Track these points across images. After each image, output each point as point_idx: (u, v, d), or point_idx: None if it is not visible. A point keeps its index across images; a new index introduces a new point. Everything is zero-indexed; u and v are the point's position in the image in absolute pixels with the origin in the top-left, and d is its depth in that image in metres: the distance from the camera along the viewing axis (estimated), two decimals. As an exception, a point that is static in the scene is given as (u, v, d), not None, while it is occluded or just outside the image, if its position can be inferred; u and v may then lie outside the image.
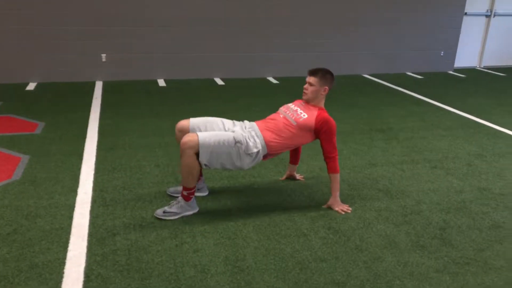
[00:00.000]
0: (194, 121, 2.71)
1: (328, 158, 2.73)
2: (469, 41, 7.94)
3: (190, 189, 2.60)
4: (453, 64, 7.71)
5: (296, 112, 2.75)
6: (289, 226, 2.60)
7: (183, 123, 2.73)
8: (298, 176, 3.24)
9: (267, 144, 2.65)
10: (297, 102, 2.88)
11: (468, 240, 2.52)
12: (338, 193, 2.81)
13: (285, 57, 6.72)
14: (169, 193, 2.91)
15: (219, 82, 6.27)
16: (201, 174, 2.87)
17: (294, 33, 6.63)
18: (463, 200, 2.99)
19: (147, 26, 5.98)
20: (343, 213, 2.76)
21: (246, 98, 5.44)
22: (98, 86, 5.73)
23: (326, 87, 2.79)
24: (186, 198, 2.63)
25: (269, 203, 2.87)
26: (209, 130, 2.68)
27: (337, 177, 2.77)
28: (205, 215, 2.69)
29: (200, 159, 2.49)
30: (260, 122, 2.78)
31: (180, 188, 2.78)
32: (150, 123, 4.34)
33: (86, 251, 2.29)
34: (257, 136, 2.65)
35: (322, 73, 2.78)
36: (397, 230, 2.60)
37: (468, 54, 8.06)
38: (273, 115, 2.81)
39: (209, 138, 2.50)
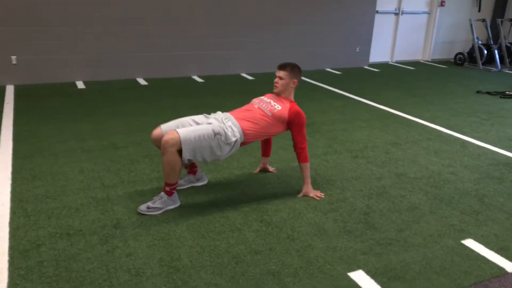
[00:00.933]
0: (165, 127, 2.74)
1: (299, 148, 2.91)
2: (382, 37, 8.47)
3: (173, 184, 2.66)
4: (368, 60, 8.18)
5: (270, 104, 2.91)
6: (223, 222, 2.63)
7: (156, 132, 2.75)
8: (270, 169, 3.38)
9: (244, 132, 2.76)
10: (269, 95, 3.05)
11: (389, 222, 2.71)
12: (309, 181, 2.99)
13: (211, 56, 6.72)
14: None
15: (142, 82, 6.12)
16: (195, 165, 3.01)
17: (218, 31, 6.64)
18: (383, 185, 3.20)
19: (63, 26, 5.68)
20: (318, 198, 2.94)
21: (169, 98, 5.36)
22: (10, 91, 5.35)
23: (295, 80, 2.97)
24: (169, 194, 2.70)
25: (201, 201, 2.87)
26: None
27: (307, 165, 2.95)
28: (137, 217, 2.63)
29: (183, 155, 2.56)
30: (234, 112, 2.89)
31: (181, 181, 2.96)
32: (69, 127, 4.14)
33: (8, 266, 2.14)
34: (234, 125, 2.74)
35: (290, 67, 2.97)
36: (325, 218, 2.72)
37: (381, 50, 8.59)
38: (247, 106, 2.96)
39: (189, 133, 2.57)
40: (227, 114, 2.85)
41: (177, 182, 2.69)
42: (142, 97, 5.33)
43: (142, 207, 2.69)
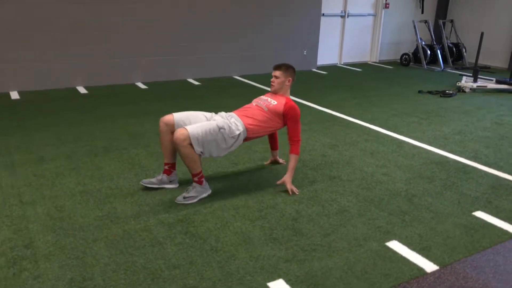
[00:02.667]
0: (177, 116, 2.96)
1: (292, 141, 3.13)
2: (329, 40, 8.57)
3: (198, 173, 2.90)
4: (316, 62, 8.25)
5: (267, 101, 3.18)
6: (145, 236, 2.52)
7: (168, 117, 2.96)
8: (280, 160, 3.62)
9: (246, 127, 3.02)
10: (267, 94, 3.31)
11: (316, 227, 2.68)
12: (292, 173, 3.14)
13: (156, 61, 6.58)
14: (144, 184, 3.07)
15: (83, 91, 5.91)
16: (174, 167, 3.11)
17: (163, 37, 6.51)
18: (315, 189, 3.19)
19: (-9, 33, 5.41)
20: (291, 193, 3.08)
21: (109, 106, 5.19)
22: None
23: (290, 78, 3.24)
24: (199, 182, 2.93)
25: (123, 215, 2.76)
26: (193, 123, 2.92)
27: (296, 158, 3.13)
28: (52, 235, 2.49)
29: (195, 149, 2.77)
30: (236, 111, 3.16)
31: (153, 180, 3.08)
32: (-5, 141, 3.92)
33: None
34: (237, 121, 3.01)
35: (285, 67, 3.25)
36: (253, 226, 2.67)
37: (329, 52, 8.68)
38: (247, 105, 3.22)
39: (197, 129, 2.78)
40: (230, 113, 3.12)
41: (201, 171, 2.91)
42: (79, 107, 5.13)
43: (179, 198, 2.91)
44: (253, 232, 2.60)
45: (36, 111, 4.89)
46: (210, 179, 3.29)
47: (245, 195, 3.06)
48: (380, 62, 9.24)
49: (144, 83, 6.46)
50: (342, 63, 8.92)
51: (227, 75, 7.27)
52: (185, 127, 2.79)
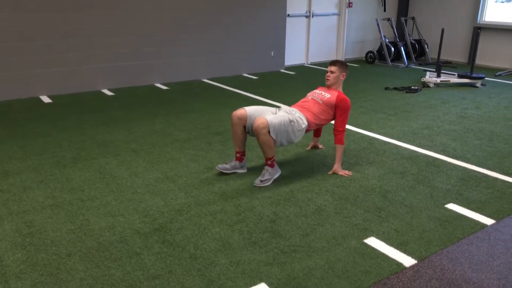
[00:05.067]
0: (249, 110, 3.28)
1: (337, 131, 3.43)
2: (295, 40, 8.62)
3: (271, 158, 3.23)
4: (284, 63, 8.28)
5: (321, 94, 3.47)
6: (120, 248, 2.45)
7: (241, 111, 3.27)
8: (320, 146, 4.05)
9: (308, 120, 3.33)
10: (321, 88, 3.60)
11: (295, 228, 2.68)
12: (340, 161, 3.48)
13: (121, 67, 6.44)
14: (219, 169, 3.40)
15: (46, 100, 5.72)
16: (244, 154, 3.43)
17: (129, 42, 6.39)
18: (291, 190, 3.19)
19: None
20: (346, 175, 3.41)
21: (75, 115, 5.04)
22: None
23: (344, 73, 3.51)
24: (271, 165, 3.27)
25: (96, 226, 2.67)
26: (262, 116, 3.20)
27: (341, 148, 3.45)
28: (22, 253, 2.38)
29: (271, 135, 3.08)
30: (296, 106, 3.45)
31: (227, 166, 3.41)
32: (-45, 156, 3.74)
33: None
34: (301, 115, 3.31)
35: (340, 63, 3.53)
36: (231, 231, 2.64)
37: (296, 53, 8.74)
38: (304, 99, 3.51)
39: (274, 119, 3.11)
40: (292, 108, 3.41)
41: (274, 156, 3.25)
42: (44, 117, 4.96)
43: (257, 181, 3.24)
44: (232, 237, 2.58)
45: (-2, 123, 4.71)
46: (184, 185, 3.24)
47: (221, 199, 3.03)
48: (346, 61, 9.37)
49: (110, 90, 6.32)
50: (309, 62, 9.00)
51: (196, 78, 7.20)
52: (264, 117, 3.10)
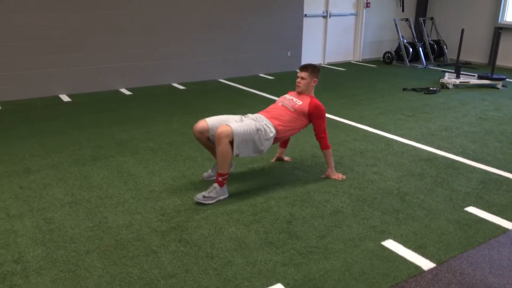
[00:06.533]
0: (211, 121, 3.06)
1: (320, 137, 3.27)
2: (312, 40, 8.59)
3: (224, 174, 2.93)
4: (300, 63, 8.24)
5: (292, 101, 3.26)
6: (138, 246, 2.47)
7: (201, 124, 3.05)
8: (286, 158, 3.72)
9: (276, 129, 3.11)
10: (292, 93, 3.38)
11: (311, 229, 2.66)
12: (333, 165, 3.37)
13: (139, 66, 6.50)
14: (205, 178, 3.28)
15: (66, 99, 5.80)
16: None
17: (146, 41, 6.44)
18: (308, 191, 3.17)
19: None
20: (340, 179, 3.33)
21: (93, 114, 5.11)
22: None
23: (316, 79, 3.31)
24: (221, 184, 2.96)
25: (114, 224, 2.70)
26: None
27: (329, 152, 3.32)
28: (42, 249, 2.42)
29: (234, 147, 2.86)
30: (263, 112, 3.22)
31: (212, 173, 3.25)
32: (-22, 153, 3.82)
33: None
34: (269, 124, 3.09)
35: (311, 68, 3.30)
36: (247, 231, 2.64)
37: (313, 53, 8.71)
38: (273, 105, 3.29)
39: (239, 127, 2.88)
40: (258, 115, 3.18)
41: (228, 173, 2.95)
42: (63, 115, 5.04)
43: (199, 196, 2.94)
44: (248, 236, 2.58)
45: (20, 121, 4.78)
46: (201, 185, 3.25)
47: (237, 199, 3.03)
48: (363, 61, 9.30)
49: (128, 89, 6.38)
50: (325, 63, 8.95)
51: (212, 78, 7.23)
52: (229, 124, 2.88)
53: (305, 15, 8.16)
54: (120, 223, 2.71)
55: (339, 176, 3.37)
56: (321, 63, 8.91)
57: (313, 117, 3.22)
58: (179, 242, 2.51)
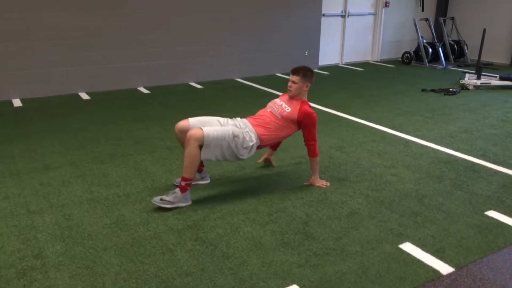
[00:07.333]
0: (193, 121, 2.97)
1: (308, 144, 3.12)
2: (330, 40, 8.54)
3: (188, 179, 2.81)
4: (318, 63, 8.22)
5: (281, 107, 3.09)
6: (155, 244, 2.49)
7: (183, 123, 2.97)
8: (273, 163, 3.57)
9: (259, 137, 2.98)
10: (283, 97, 3.21)
11: (328, 230, 2.65)
12: (317, 173, 3.24)
13: (157, 65, 6.55)
14: (176, 184, 3.15)
15: (85, 97, 5.88)
16: (202, 164, 3.15)
17: (163, 41, 6.49)
18: (324, 192, 3.15)
19: (-8, 41, 5.39)
20: (324, 186, 3.19)
21: (112, 111, 5.16)
22: None
23: (308, 84, 3.12)
24: (183, 190, 2.84)
25: (132, 222, 2.72)
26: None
27: (316, 160, 3.18)
28: (61, 245, 2.45)
29: (202, 151, 2.76)
30: (250, 118, 3.10)
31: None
32: None
33: None
34: (251, 131, 2.96)
35: (303, 72, 3.10)
36: (263, 231, 2.63)
37: (330, 53, 8.66)
38: (261, 111, 3.15)
39: (212, 132, 2.77)
40: (244, 120, 3.06)
41: (192, 179, 2.82)
42: (82, 113, 5.11)
43: (156, 198, 2.83)
44: (264, 237, 2.57)
45: (39, 119, 4.86)
46: (217, 183, 3.26)
47: (253, 199, 3.03)
48: (381, 61, 9.21)
49: (146, 88, 6.43)
50: (343, 63, 8.89)
51: (229, 77, 7.24)
52: (202, 128, 2.78)
53: (323, 14, 8.12)
54: (137, 221, 2.73)
55: (322, 183, 3.22)
56: (338, 63, 8.85)
57: (302, 124, 3.07)
58: (195, 241, 2.52)
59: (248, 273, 2.23)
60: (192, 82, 6.90)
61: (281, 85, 6.72)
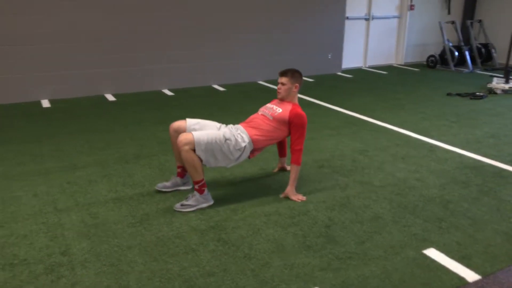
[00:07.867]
0: (190, 122, 2.97)
1: (293, 150, 3.02)
2: (354, 43, 8.48)
3: (199, 181, 2.84)
4: (341, 66, 8.18)
5: (272, 109, 3.10)
6: (178, 243, 2.52)
7: (179, 123, 2.98)
8: (288, 168, 3.48)
9: (252, 139, 2.96)
10: (274, 101, 3.20)
11: (350, 234, 2.63)
12: (295, 184, 3.07)
13: (180, 68, 6.63)
14: (158, 189, 3.13)
15: (111, 98, 6.00)
16: (185, 169, 3.10)
17: (186, 43, 6.57)
18: (347, 195, 3.13)
19: (21, 44, 5.54)
20: (299, 201, 3.01)
21: (137, 113, 5.25)
22: (-30, 113, 5.19)
23: (297, 84, 3.12)
24: (200, 191, 2.87)
25: (156, 221, 2.76)
26: (203, 130, 2.93)
27: (297, 169, 3.04)
28: (87, 242, 2.51)
29: (199, 155, 2.76)
30: (243, 123, 3.09)
31: (167, 183, 3.13)
32: (29, 148, 4.00)
33: None
34: (242, 133, 2.96)
35: (291, 73, 3.11)
36: (285, 233, 2.64)
37: (354, 56, 8.60)
38: (253, 116, 3.14)
39: (202, 136, 2.78)
40: (237, 125, 3.06)
41: (203, 179, 2.85)
42: (108, 114, 5.21)
43: (177, 205, 2.88)
44: (285, 239, 2.58)
45: (67, 119, 4.98)
46: (239, 185, 3.28)
47: (275, 201, 3.04)
48: (405, 65, 9.10)
49: (170, 90, 6.51)
50: (367, 66, 8.82)
51: (251, 80, 7.27)
52: (192, 132, 2.80)
53: (347, 17, 8.08)
54: (161, 221, 2.77)
55: (298, 197, 3.04)
56: (362, 66, 8.79)
57: (292, 125, 3.01)
58: (217, 242, 2.54)
59: (270, 275, 2.24)
60: (215, 84, 6.95)
61: (304, 88, 6.69)
